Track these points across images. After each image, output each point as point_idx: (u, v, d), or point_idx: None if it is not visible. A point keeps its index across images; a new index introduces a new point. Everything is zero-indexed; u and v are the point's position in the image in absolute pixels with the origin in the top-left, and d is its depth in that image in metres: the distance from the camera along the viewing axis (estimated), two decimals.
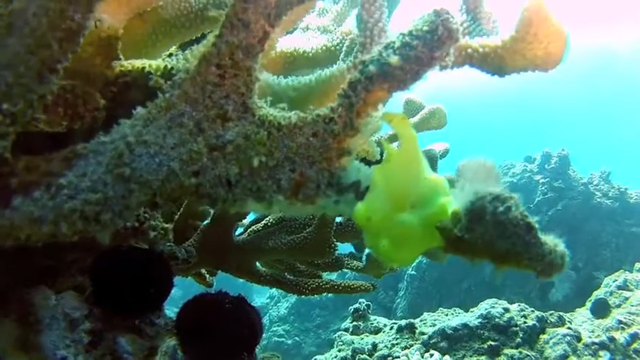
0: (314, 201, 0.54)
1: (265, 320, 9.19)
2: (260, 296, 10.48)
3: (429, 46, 0.52)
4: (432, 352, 4.23)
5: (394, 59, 0.52)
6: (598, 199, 7.88)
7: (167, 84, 0.57)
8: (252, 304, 1.14)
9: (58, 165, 0.52)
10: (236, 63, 0.55)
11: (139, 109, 0.55)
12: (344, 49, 1.05)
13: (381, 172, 0.53)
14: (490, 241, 0.44)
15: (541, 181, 8.21)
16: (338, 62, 1.03)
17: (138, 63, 0.86)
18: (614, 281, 5.28)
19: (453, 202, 0.49)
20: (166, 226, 0.95)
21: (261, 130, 0.54)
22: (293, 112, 0.56)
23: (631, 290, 5.07)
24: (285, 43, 1.08)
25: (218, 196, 0.54)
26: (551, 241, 0.45)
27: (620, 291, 5.06)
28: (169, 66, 0.85)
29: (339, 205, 0.54)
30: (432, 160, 1.64)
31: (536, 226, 0.44)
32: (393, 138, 1.38)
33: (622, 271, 5.54)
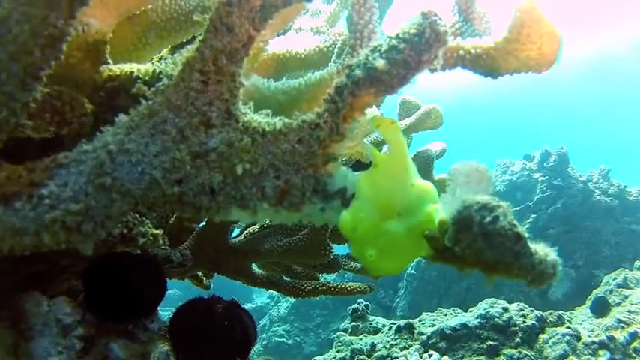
0: (299, 209, 0.53)
1: (265, 320, 9.19)
2: (260, 296, 10.49)
3: (417, 50, 0.51)
4: (430, 352, 4.22)
5: (381, 63, 0.51)
6: (597, 197, 7.87)
7: (150, 90, 0.55)
8: (245, 307, 1.14)
9: (39, 175, 0.51)
10: (220, 68, 0.54)
11: (122, 117, 0.54)
12: (336, 50, 1.04)
13: (368, 179, 0.52)
14: (478, 251, 0.42)
15: (540, 179, 8.20)
16: (329, 64, 1.02)
17: (126, 67, 0.85)
18: (613, 279, 5.28)
19: (441, 211, 0.48)
20: (156, 232, 0.94)
21: (245, 136, 0.53)
22: (278, 119, 0.55)
23: (631, 288, 5.07)
24: (277, 44, 1.07)
25: (201, 205, 0.53)
26: (542, 249, 0.44)
27: (620, 289, 5.05)
28: (158, 70, 0.84)
29: (325, 212, 0.53)
30: (429, 161, 1.64)
31: (526, 235, 0.43)
32: (381, 142, 1.38)
33: (622, 269, 5.54)
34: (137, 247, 0.92)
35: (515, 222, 0.43)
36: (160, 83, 0.55)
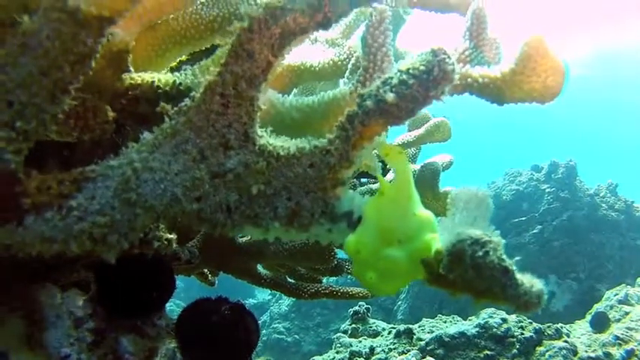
0: (308, 229, 0.57)
1: (266, 317, 9.23)
2: (262, 292, 10.53)
3: (425, 86, 0.54)
4: (428, 358, 4.25)
5: (390, 97, 0.54)
6: (604, 211, 7.86)
7: (173, 110, 0.59)
8: (249, 310, 1.17)
9: (68, 187, 0.55)
10: (239, 93, 0.57)
11: (146, 134, 0.58)
12: (349, 66, 1.06)
13: (374, 206, 0.55)
14: (469, 280, 0.46)
15: (547, 190, 8.19)
16: (343, 80, 1.05)
17: (147, 77, 0.88)
18: (615, 295, 5.28)
19: (438, 240, 0.52)
20: (170, 236, 0.98)
21: (261, 159, 0.57)
22: (292, 143, 0.58)
23: (632, 305, 5.07)
24: (292, 55, 1.10)
25: (218, 222, 0.57)
26: (528, 281, 0.48)
27: (621, 305, 5.05)
28: (178, 81, 0.87)
29: (331, 233, 0.57)
30: (435, 173, 1.66)
31: (513, 268, 0.47)
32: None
33: (624, 285, 5.54)
34: (152, 251, 0.96)
35: (503, 257, 0.46)
36: (183, 104, 0.59)
